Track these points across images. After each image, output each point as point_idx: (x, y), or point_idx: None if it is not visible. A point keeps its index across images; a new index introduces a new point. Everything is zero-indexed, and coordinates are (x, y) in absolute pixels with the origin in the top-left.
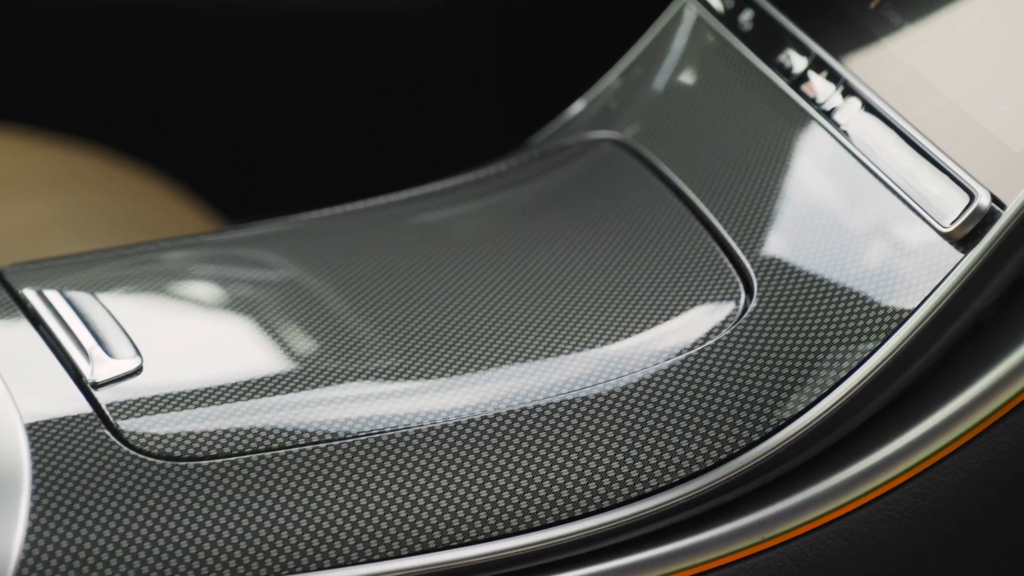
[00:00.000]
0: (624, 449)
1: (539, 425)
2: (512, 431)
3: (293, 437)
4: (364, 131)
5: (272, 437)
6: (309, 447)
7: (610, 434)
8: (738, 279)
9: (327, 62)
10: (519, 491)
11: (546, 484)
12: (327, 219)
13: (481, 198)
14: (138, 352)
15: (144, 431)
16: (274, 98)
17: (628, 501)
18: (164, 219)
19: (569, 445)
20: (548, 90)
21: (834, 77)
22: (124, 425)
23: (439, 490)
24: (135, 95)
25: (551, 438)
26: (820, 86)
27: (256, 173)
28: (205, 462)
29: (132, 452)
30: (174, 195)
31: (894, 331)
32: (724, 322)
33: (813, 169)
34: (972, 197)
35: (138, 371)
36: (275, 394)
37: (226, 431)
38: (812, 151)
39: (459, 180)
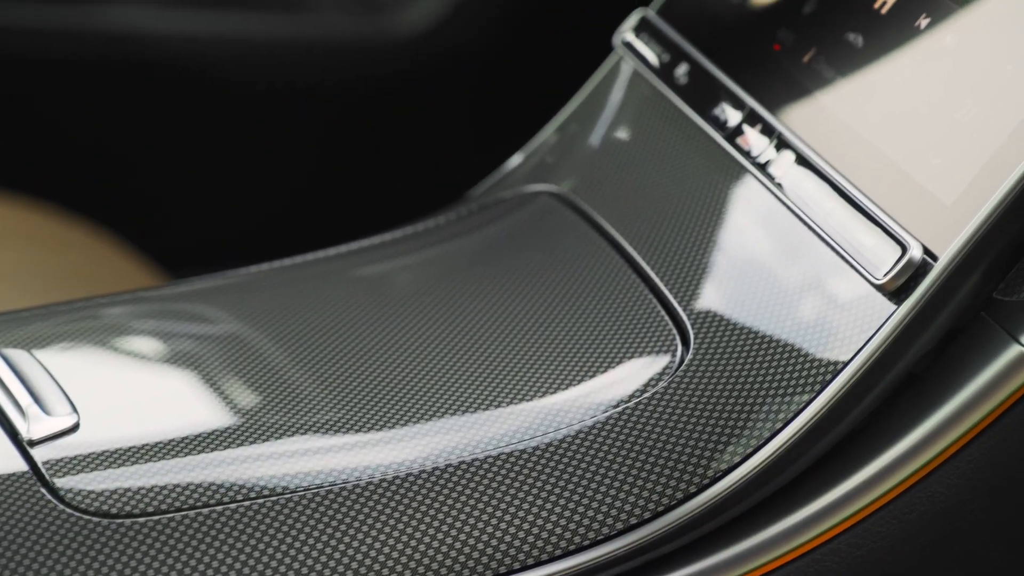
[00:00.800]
0: (562, 502)
1: (477, 478)
2: (450, 485)
3: (232, 493)
4: (303, 188)
5: (211, 493)
6: (247, 503)
7: (548, 487)
8: (675, 331)
9: (268, 120)
10: (457, 544)
11: (484, 537)
12: (267, 273)
13: (420, 251)
14: (75, 409)
15: (80, 488)
16: (215, 152)
17: (567, 553)
18: (105, 274)
19: (507, 498)
20: (487, 144)
21: (768, 130)
22: (60, 483)
23: (378, 544)
24: (75, 148)
25: (489, 491)
26: (755, 139)
27: (197, 227)
28: (142, 519)
29: (68, 510)
30: (115, 249)
31: (829, 382)
32: (661, 374)
33: (748, 222)
34: (904, 249)
35: (75, 428)
36: (215, 449)
37: (164, 487)
38: (747, 204)
39: (398, 233)
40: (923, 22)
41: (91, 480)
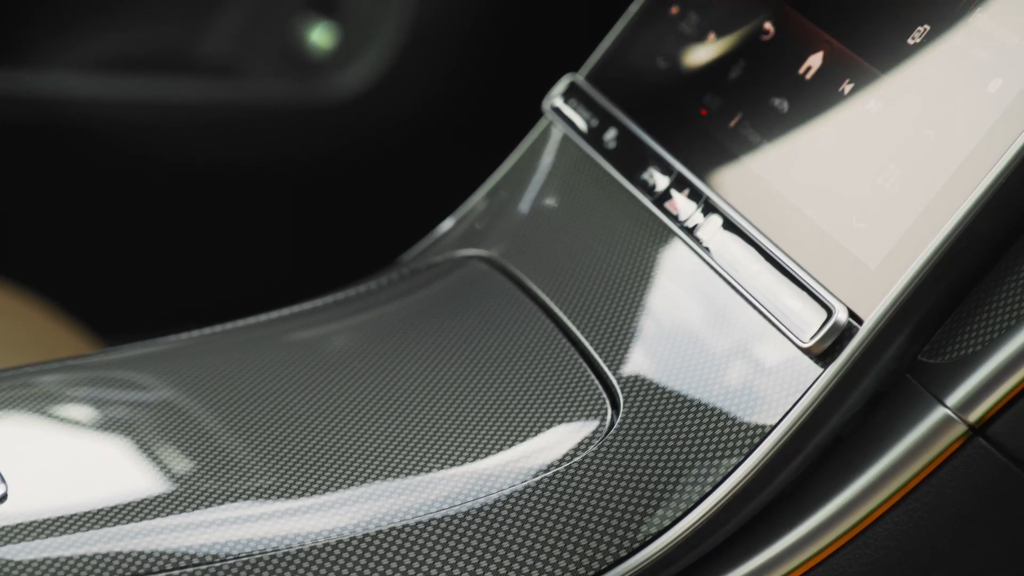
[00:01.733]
0: (493, 567)
1: (408, 544)
2: (382, 551)
3: (163, 561)
4: (235, 253)
5: (142, 562)
6: (176, 572)
7: (479, 552)
8: (604, 395)
9: (202, 185)
10: None
11: None
12: (200, 339)
13: (352, 316)
14: (2, 479)
15: (8, 559)
16: (149, 218)
17: None
18: (39, 341)
19: (439, 564)
20: (418, 208)
21: (696, 195)
22: None
23: None
24: (8, 216)
25: (420, 557)
26: (682, 204)
27: (131, 293)
28: None
29: None
30: (48, 316)
31: (756, 446)
32: (591, 438)
33: (677, 285)
34: (830, 313)
35: (2, 499)
36: (147, 518)
37: (94, 557)
38: (675, 268)
39: (330, 298)
40: (847, 88)
41: (19, 551)
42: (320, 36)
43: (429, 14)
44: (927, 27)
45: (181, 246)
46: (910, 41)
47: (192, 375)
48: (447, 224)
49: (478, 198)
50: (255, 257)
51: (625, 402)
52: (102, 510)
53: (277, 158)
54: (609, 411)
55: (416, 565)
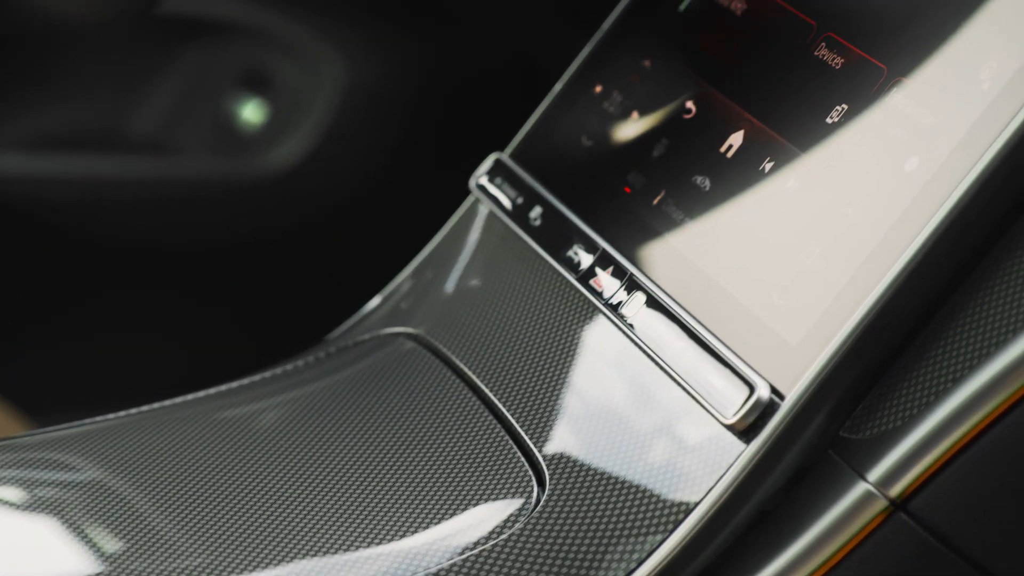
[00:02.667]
0: None
1: None
2: None
3: None
4: (165, 330)
5: None
6: None
7: None
8: (530, 472)
9: (132, 262)
10: None
11: None
12: (129, 419)
13: (280, 394)
14: None
15: None
16: (78, 296)
17: None
18: None
19: None
20: (345, 286)
21: (620, 272)
22: None
23: None
24: None
25: None
26: (607, 281)
27: (60, 373)
28: None
29: None
30: None
31: (680, 522)
32: (517, 515)
33: (602, 363)
34: (752, 390)
35: None
36: None
37: None
38: (600, 345)
39: (257, 377)
40: (767, 166)
41: None
42: (251, 113)
43: (358, 93)
44: (845, 106)
45: (110, 324)
46: (829, 120)
47: (122, 454)
48: (374, 302)
49: (405, 276)
50: (183, 335)
51: (551, 479)
52: None
53: (206, 235)
54: (535, 488)
55: None
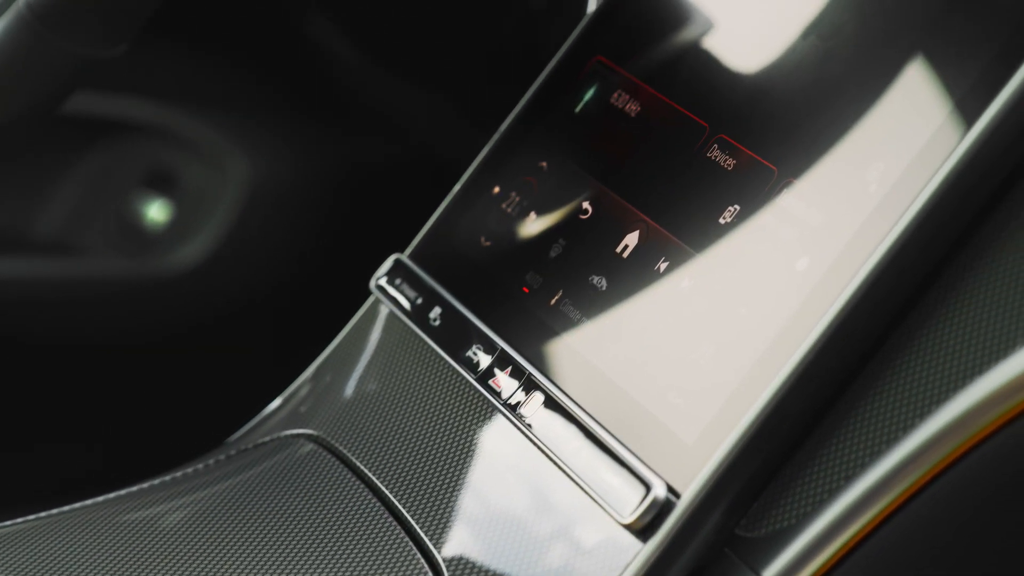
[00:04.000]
0: None
1: None
2: None
3: None
4: (68, 434)
5: None
6: None
7: None
8: (429, 572)
9: (31, 363)
10: None
11: None
12: (26, 525)
13: (179, 498)
14: None
15: None
16: None
17: None
18: None
19: None
20: (246, 388)
21: (518, 372)
22: None
23: None
24: None
25: None
26: (505, 381)
27: None
28: None
29: None
30: None
31: None
32: None
33: (500, 463)
34: (648, 489)
35: None
36: None
37: None
38: (499, 445)
39: (157, 480)
40: (662, 266)
41: None
42: (156, 212)
43: (262, 191)
44: (737, 207)
45: (9, 426)
46: (721, 221)
47: (21, 562)
48: (275, 403)
49: (305, 377)
50: (83, 436)
51: None
52: None
53: (109, 335)
54: None
55: None
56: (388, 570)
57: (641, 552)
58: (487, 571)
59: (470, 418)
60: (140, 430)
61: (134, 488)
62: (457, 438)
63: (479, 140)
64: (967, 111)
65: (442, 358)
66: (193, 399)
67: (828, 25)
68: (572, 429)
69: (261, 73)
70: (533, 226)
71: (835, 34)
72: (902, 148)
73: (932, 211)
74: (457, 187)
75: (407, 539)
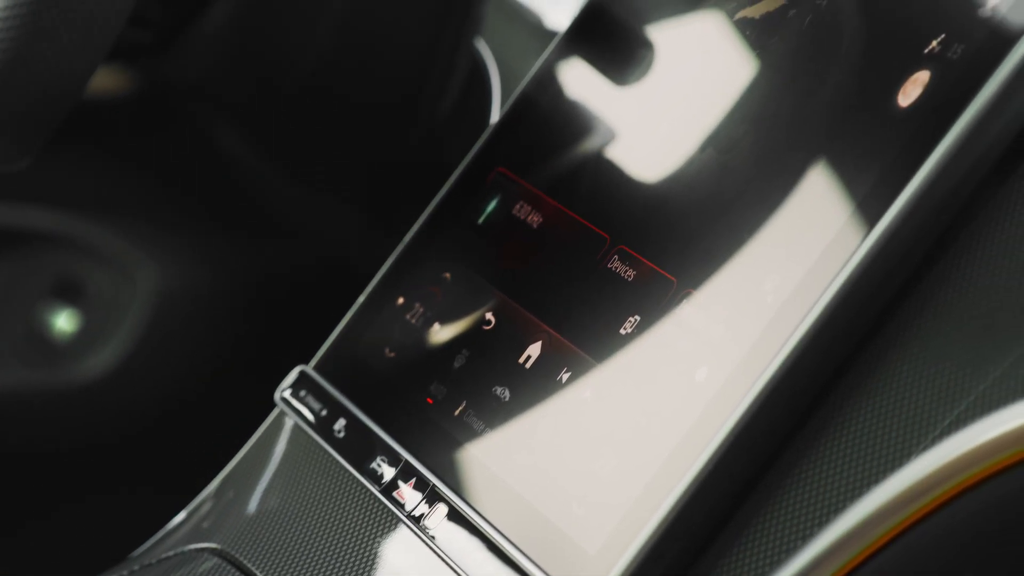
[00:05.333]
0: None
1: None
2: None
3: None
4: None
5: None
6: None
7: None
8: None
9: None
10: None
11: None
12: None
13: None
14: None
15: None
16: None
17: None
18: None
19: None
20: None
21: (422, 484)
22: None
23: None
24: None
25: None
26: (408, 493)
27: None
28: None
29: None
30: None
31: None
32: None
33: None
34: None
35: None
36: None
37: None
38: (403, 558)
39: None
40: (564, 376)
41: None
42: (64, 323)
43: (171, 303)
44: (638, 318)
45: None
46: (622, 332)
47: None
48: (179, 517)
49: (210, 490)
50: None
51: None
52: None
53: (10, 446)
54: None
55: None
56: None
57: None
58: None
59: (374, 530)
60: (41, 545)
61: None
62: (361, 550)
63: (388, 250)
64: (861, 221)
65: (347, 470)
66: (96, 513)
67: (725, 139)
68: (476, 541)
69: (171, 183)
70: (437, 337)
71: (732, 147)
72: (798, 259)
73: (828, 321)
74: (362, 298)
75: None
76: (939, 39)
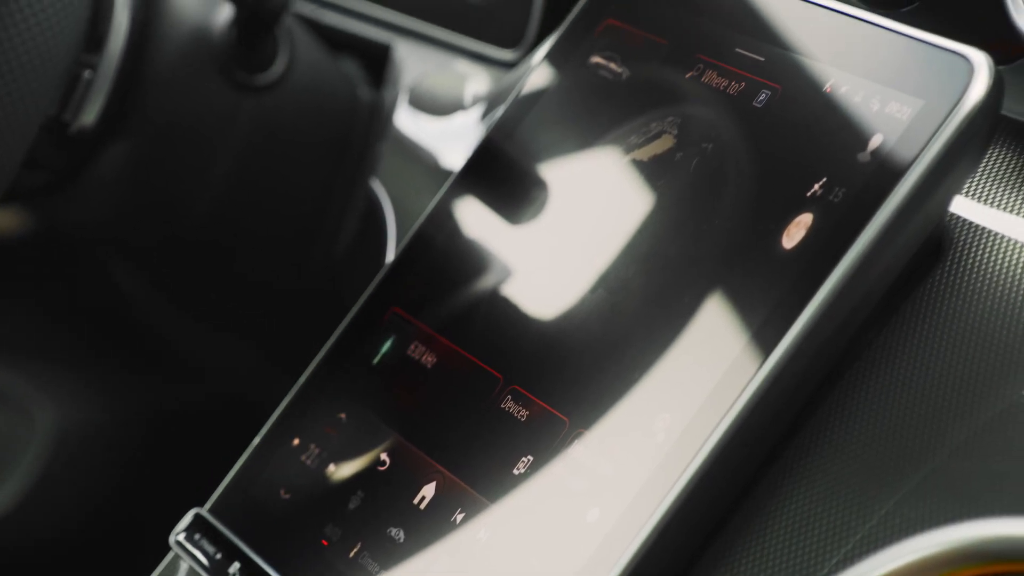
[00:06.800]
0: None
1: None
2: None
3: None
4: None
5: None
6: None
7: None
8: None
9: None
10: None
11: None
12: None
13: None
14: None
15: None
16: None
17: None
18: None
19: None
20: None
21: None
22: None
23: None
24: None
25: None
26: None
27: None
28: None
29: None
30: None
31: None
32: None
33: None
34: None
35: None
36: None
37: None
38: None
39: None
40: (458, 517)
41: None
42: None
43: (67, 442)
44: (530, 458)
45: None
46: (515, 472)
47: None
48: None
49: None
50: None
51: None
52: None
53: None
54: None
55: None
56: None
57: None
58: None
59: None
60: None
61: None
62: None
63: (287, 386)
64: (750, 359)
65: None
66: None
67: (615, 279)
68: None
69: (68, 321)
70: (332, 478)
71: (623, 287)
72: (688, 398)
73: (718, 459)
74: (257, 440)
75: None
76: (821, 183)
